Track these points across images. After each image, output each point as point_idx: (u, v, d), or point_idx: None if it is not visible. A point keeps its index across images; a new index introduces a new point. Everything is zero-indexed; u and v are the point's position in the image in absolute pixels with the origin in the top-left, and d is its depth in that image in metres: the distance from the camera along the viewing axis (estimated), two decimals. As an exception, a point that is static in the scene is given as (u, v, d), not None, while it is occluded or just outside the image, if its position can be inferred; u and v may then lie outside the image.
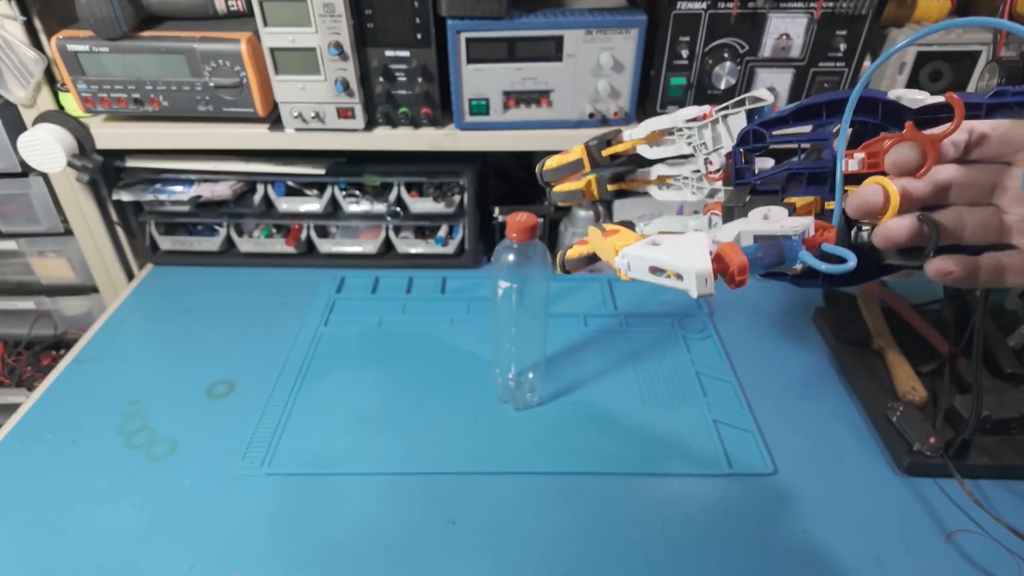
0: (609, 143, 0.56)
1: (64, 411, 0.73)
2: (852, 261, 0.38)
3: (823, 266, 0.38)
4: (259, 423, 0.70)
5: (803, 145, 0.45)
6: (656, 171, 0.56)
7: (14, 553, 0.58)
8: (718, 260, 0.38)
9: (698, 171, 0.51)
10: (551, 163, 0.59)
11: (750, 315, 0.87)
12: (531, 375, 0.72)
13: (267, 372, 0.77)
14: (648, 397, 0.74)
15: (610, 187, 0.60)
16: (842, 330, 0.80)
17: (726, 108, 0.48)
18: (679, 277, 0.39)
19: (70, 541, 0.59)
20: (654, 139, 0.53)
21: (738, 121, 0.47)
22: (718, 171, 0.47)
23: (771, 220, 0.41)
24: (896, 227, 0.38)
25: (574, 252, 0.57)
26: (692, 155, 0.51)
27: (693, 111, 0.51)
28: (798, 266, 0.40)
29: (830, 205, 0.43)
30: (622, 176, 0.59)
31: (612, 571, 0.56)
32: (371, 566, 0.56)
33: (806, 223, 0.40)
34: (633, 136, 0.54)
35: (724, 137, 0.48)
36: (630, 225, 0.57)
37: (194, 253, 0.99)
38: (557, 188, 0.61)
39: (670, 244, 0.41)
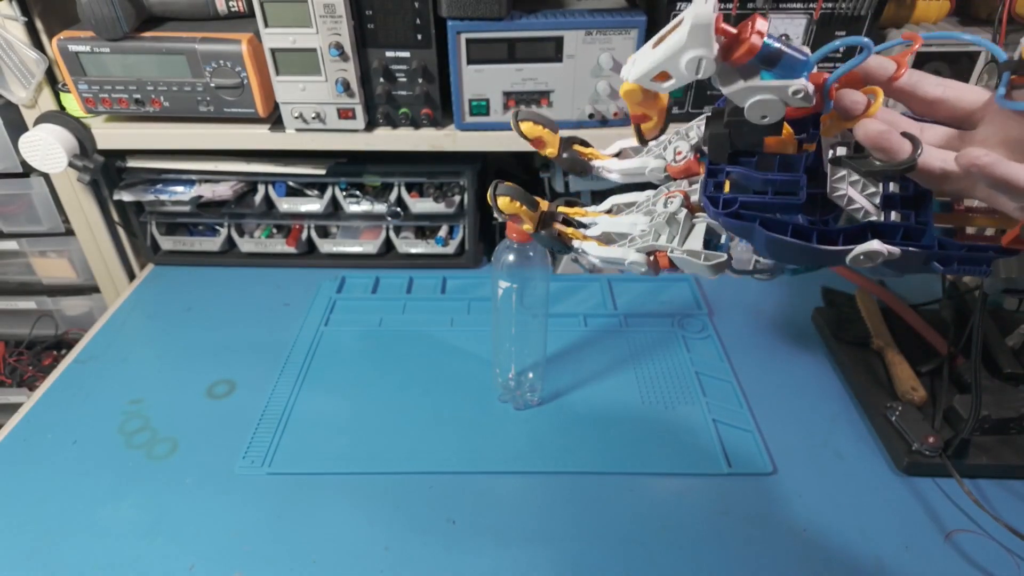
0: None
1: (65, 411, 0.73)
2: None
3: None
4: (260, 423, 0.71)
5: None
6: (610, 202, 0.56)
7: (14, 553, 0.58)
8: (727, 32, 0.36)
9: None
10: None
11: (750, 315, 0.87)
12: (531, 375, 0.72)
13: (268, 372, 0.78)
14: (648, 397, 0.74)
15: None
16: (841, 330, 0.80)
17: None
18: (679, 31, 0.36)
19: (70, 541, 0.59)
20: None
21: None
22: (684, 159, 0.47)
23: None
24: (873, 125, 0.37)
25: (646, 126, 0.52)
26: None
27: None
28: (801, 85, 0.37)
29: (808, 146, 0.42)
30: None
31: (612, 571, 0.56)
32: (371, 566, 0.57)
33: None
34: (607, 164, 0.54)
35: (693, 129, 0.48)
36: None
37: (195, 253, 0.99)
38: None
39: None
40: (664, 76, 0.38)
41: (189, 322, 0.87)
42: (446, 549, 0.58)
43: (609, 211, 0.56)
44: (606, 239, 0.53)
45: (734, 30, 0.36)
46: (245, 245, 0.98)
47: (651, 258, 0.49)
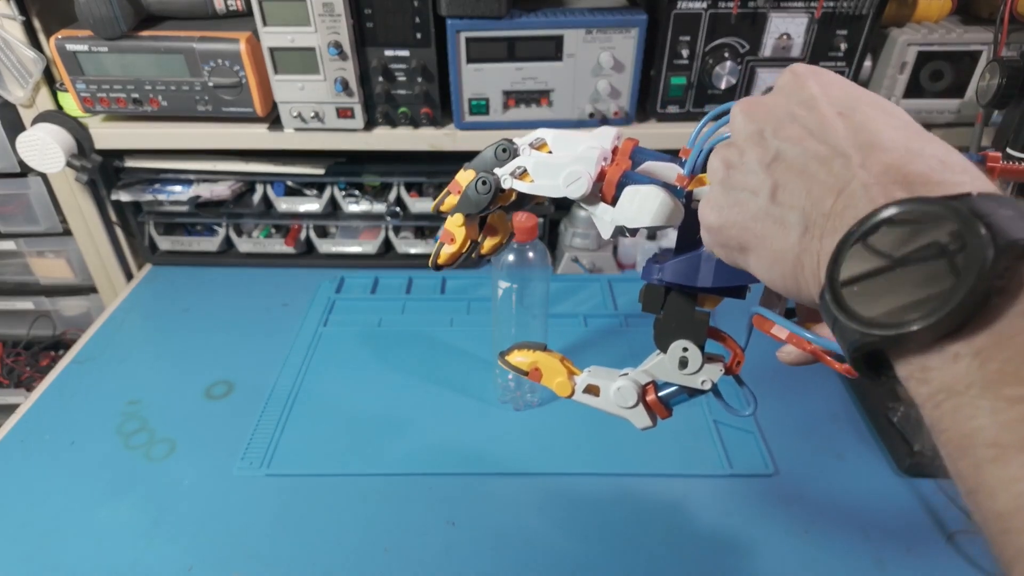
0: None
1: (63, 412, 0.73)
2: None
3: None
4: (258, 424, 0.70)
5: None
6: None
7: (14, 553, 0.58)
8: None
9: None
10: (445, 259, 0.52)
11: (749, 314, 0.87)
12: (531, 375, 0.72)
13: (266, 373, 0.77)
14: (648, 397, 0.74)
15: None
16: (843, 330, 0.80)
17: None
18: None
19: (69, 541, 0.58)
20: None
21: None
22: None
23: (688, 369, 0.45)
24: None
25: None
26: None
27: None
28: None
29: None
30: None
31: (612, 571, 0.56)
32: (370, 567, 0.56)
33: (717, 372, 0.45)
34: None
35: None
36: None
37: (193, 253, 0.99)
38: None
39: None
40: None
41: (187, 322, 0.87)
42: (446, 550, 0.58)
43: None
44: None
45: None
46: (243, 245, 0.97)
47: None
